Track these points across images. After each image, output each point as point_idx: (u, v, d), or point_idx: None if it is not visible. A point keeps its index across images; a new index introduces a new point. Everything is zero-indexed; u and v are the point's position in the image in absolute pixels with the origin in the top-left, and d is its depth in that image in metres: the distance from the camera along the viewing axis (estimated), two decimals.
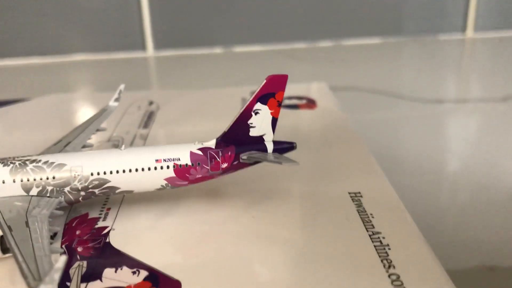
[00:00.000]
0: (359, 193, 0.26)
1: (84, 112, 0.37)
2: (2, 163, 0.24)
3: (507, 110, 0.58)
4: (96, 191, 0.24)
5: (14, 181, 0.24)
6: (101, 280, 0.20)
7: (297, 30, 0.89)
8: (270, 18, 0.87)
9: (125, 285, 0.20)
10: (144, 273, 0.21)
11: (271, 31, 0.88)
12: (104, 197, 0.26)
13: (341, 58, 0.82)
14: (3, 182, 0.24)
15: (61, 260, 0.17)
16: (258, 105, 0.26)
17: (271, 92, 0.26)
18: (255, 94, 0.26)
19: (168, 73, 0.76)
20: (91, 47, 0.84)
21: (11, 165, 0.24)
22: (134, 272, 0.21)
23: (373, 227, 0.23)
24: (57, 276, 0.17)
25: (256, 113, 0.26)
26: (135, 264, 0.21)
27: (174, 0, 0.85)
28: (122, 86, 0.34)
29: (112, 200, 0.27)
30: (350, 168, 0.29)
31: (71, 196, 0.24)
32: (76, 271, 0.21)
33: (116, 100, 0.33)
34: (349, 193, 0.26)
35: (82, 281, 0.20)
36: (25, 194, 0.24)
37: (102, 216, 0.25)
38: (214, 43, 0.88)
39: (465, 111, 0.59)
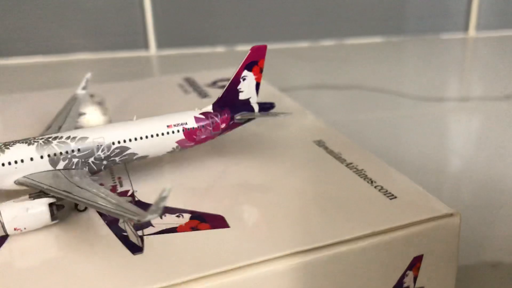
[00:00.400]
0: (322, 140, 0.32)
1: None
2: (26, 142, 0.25)
3: (509, 108, 0.58)
4: (117, 159, 0.27)
5: (41, 157, 0.25)
6: (153, 226, 0.23)
7: (299, 29, 0.89)
8: (272, 17, 0.87)
9: (176, 225, 0.23)
10: (187, 215, 0.24)
11: (274, 30, 0.88)
12: (121, 164, 0.29)
13: (343, 57, 0.82)
14: (32, 159, 0.25)
15: (167, 189, 0.19)
16: (245, 72, 0.30)
17: (255, 60, 0.31)
18: (242, 62, 0.30)
19: (170, 71, 0.76)
20: (93, 46, 0.84)
21: (35, 143, 0.25)
22: (178, 216, 0.24)
23: (346, 160, 0.30)
24: (162, 204, 0.19)
25: (243, 79, 0.31)
26: (175, 211, 0.24)
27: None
28: (88, 75, 0.37)
29: (118, 169, 0.29)
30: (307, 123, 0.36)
31: (94, 166, 0.26)
32: (125, 224, 0.23)
33: (84, 88, 0.36)
34: (313, 141, 0.32)
35: (136, 230, 0.23)
36: (53, 168, 0.25)
37: (117, 183, 0.27)
38: (216, 42, 0.88)
39: (467, 109, 0.59)
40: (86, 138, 0.26)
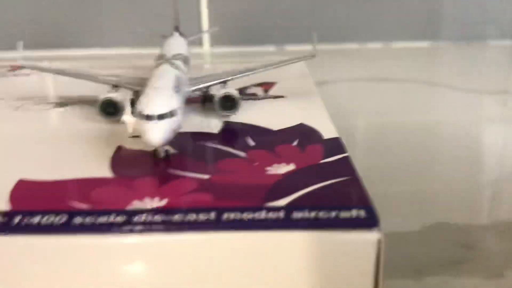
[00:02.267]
0: None
1: None
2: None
3: None
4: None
5: None
6: None
7: (347, 31, 0.91)
8: (321, 19, 0.91)
9: None
10: None
11: (322, 31, 0.91)
12: None
13: (391, 59, 0.84)
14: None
15: None
16: None
17: None
18: None
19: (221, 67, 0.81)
20: (152, 43, 0.90)
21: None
22: None
23: None
24: None
25: None
26: None
27: (230, 0, 0.89)
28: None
29: None
30: None
31: None
32: None
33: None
34: None
35: None
36: None
37: None
38: (267, 41, 0.92)
39: None
40: None
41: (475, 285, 0.30)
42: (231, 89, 0.30)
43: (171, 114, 0.22)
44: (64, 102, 0.33)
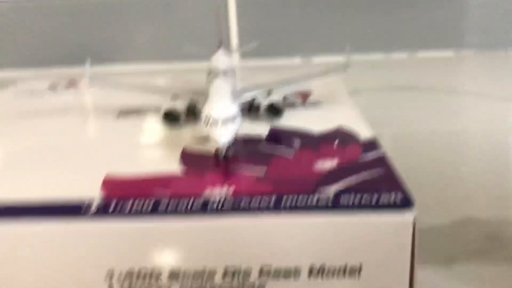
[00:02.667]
0: None
1: None
2: None
3: None
4: None
5: None
6: None
7: (373, 40, 0.95)
8: (348, 29, 0.94)
9: None
10: None
11: (349, 42, 0.95)
12: None
13: (416, 68, 0.87)
14: None
15: None
16: None
17: None
18: None
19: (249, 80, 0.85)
20: (181, 57, 0.95)
21: None
22: None
23: None
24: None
25: None
26: None
27: (259, 13, 0.94)
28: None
29: None
30: None
31: None
32: None
33: None
34: None
35: None
36: None
37: None
38: (293, 53, 0.96)
39: None
40: None
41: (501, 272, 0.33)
42: (275, 98, 0.34)
43: (233, 118, 0.26)
44: (128, 111, 0.38)
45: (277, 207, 0.22)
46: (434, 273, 0.33)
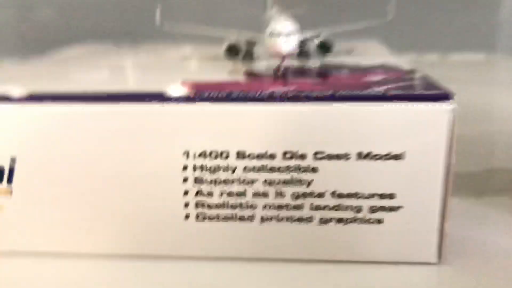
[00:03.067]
0: None
1: None
2: None
3: None
4: None
5: None
6: None
7: (404, 41, 0.98)
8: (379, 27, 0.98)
9: None
10: None
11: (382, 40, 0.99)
12: None
13: (447, 70, 0.90)
14: None
15: None
16: None
17: None
18: None
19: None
20: None
21: None
22: None
23: None
24: None
25: None
26: None
27: None
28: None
29: None
30: None
31: None
32: None
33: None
34: None
35: None
36: None
37: None
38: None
39: None
40: None
41: None
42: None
43: (293, 33, 0.30)
44: None
45: (332, 98, 0.26)
46: (465, 201, 0.35)
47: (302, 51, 0.39)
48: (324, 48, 0.37)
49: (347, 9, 0.98)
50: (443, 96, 0.26)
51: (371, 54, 0.42)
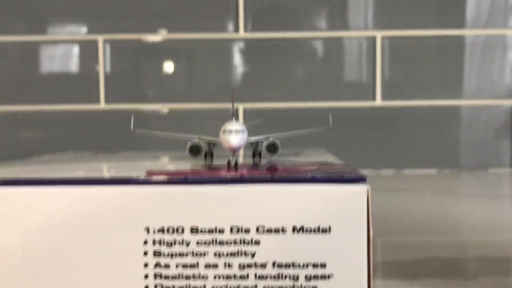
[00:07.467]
0: None
1: None
2: None
3: None
4: None
5: None
6: None
7: (361, 158, 1.07)
8: (340, 146, 1.07)
9: None
10: None
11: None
12: None
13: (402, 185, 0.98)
14: None
15: None
16: None
17: None
18: None
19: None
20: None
21: None
22: None
23: None
24: None
25: None
26: None
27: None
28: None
29: None
30: None
31: None
32: None
33: None
34: None
35: None
36: None
37: None
38: None
39: None
40: None
41: None
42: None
43: (243, 131, 0.37)
44: None
45: (271, 180, 0.32)
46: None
47: (255, 152, 0.46)
48: (272, 147, 0.43)
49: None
50: (359, 179, 0.31)
51: (316, 156, 0.49)
